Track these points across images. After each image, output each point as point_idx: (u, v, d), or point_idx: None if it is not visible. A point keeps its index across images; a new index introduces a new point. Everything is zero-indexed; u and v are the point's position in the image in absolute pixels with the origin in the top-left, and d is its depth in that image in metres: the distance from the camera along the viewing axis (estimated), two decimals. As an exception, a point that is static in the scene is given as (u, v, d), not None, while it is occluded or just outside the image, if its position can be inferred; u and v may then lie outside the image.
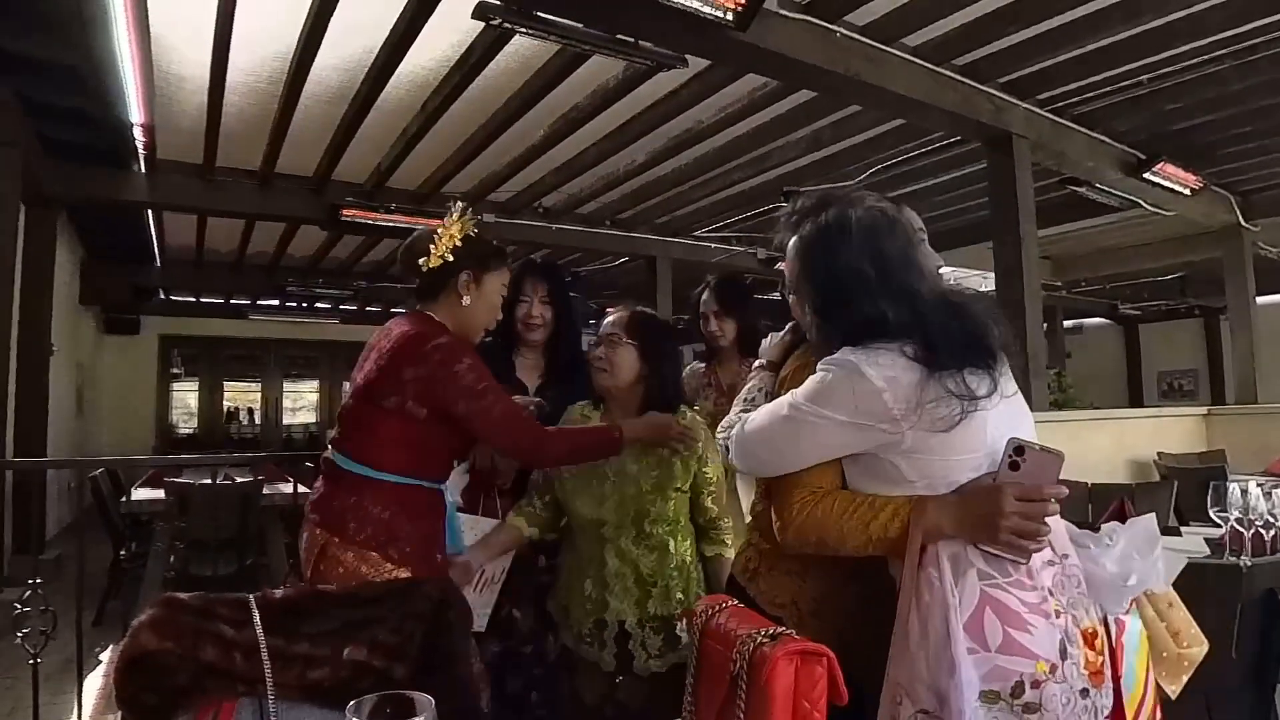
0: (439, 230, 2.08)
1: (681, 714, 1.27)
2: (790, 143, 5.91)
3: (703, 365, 3.19)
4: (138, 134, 5.45)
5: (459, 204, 2.14)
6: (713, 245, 8.62)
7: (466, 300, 2.07)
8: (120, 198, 6.53)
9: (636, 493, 2.09)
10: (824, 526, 1.36)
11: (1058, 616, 1.25)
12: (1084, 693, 1.24)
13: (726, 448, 1.56)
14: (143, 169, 6.21)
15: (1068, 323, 13.67)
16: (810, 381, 1.41)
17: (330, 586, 1.90)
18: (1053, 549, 1.31)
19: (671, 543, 2.11)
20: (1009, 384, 1.41)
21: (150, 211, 7.55)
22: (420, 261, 2.07)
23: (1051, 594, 1.27)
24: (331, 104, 5.11)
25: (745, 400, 1.64)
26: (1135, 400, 13.76)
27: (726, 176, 6.63)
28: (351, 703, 0.81)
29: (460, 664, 1.61)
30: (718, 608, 1.32)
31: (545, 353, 2.61)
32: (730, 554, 2.10)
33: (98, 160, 6.13)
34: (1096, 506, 3.83)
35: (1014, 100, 4.97)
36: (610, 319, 2.23)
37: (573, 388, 2.46)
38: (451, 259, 2.05)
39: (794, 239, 1.55)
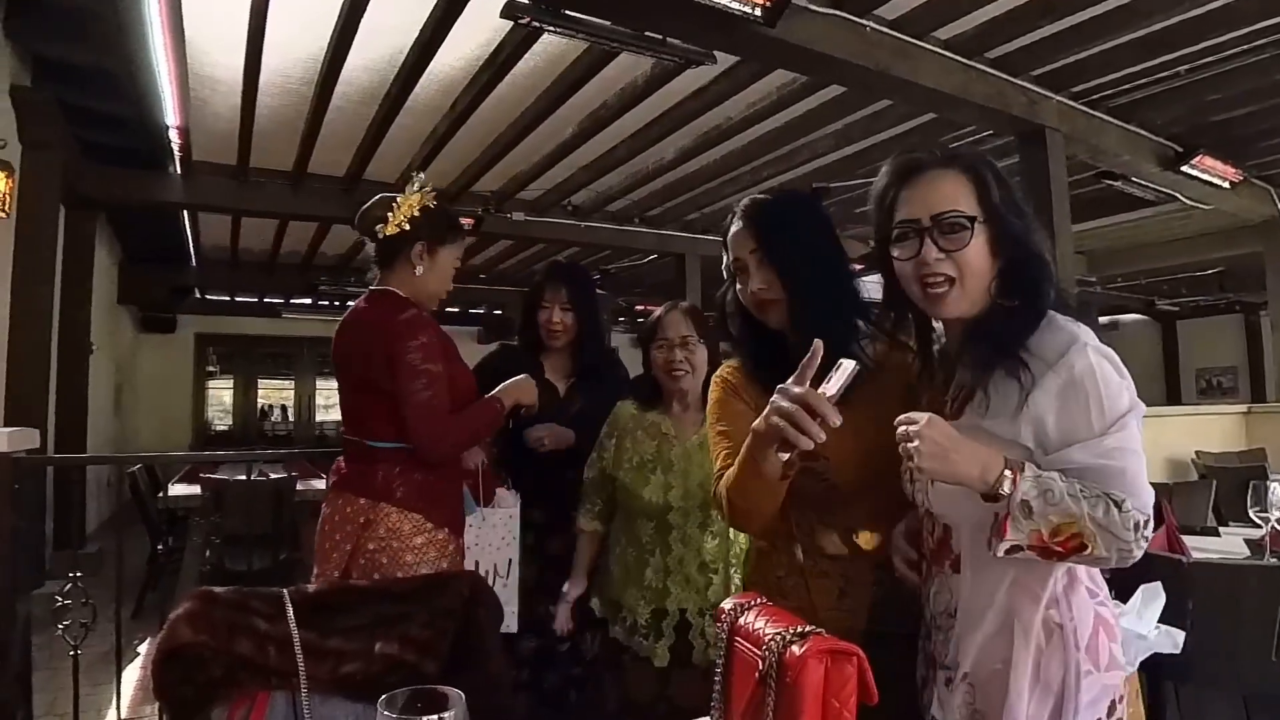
0: (398, 199, 2.16)
1: (710, 712, 1.26)
2: (819, 138, 5.87)
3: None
4: (173, 136, 5.55)
5: (420, 175, 2.21)
6: (742, 242, 8.59)
7: (419, 270, 2.16)
8: (157, 199, 6.65)
9: (703, 478, 2.09)
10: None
11: None
12: None
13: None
14: (178, 171, 6.32)
15: (1103, 319, 13.47)
16: (1096, 403, 1.18)
17: (362, 582, 1.93)
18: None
19: (733, 529, 2.11)
20: None
21: (186, 212, 7.69)
22: (377, 228, 2.15)
23: None
24: (362, 104, 5.15)
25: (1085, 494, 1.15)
26: (1173, 398, 13.52)
27: (755, 173, 6.60)
28: (384, 696, 0.82)
29: (491, 661, 1.62)
30: (746, 605, 1.31)
31: (572, 355, 2.61)
32: None
33: (135, 163, 6.25)
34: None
35: (1048, 93, 4.90)
36: (669, 319, 2.19)
37: (601, 387, 2.51)
38: (408, 228, 2.13)
39: (964, 165, 1.30)
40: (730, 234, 1.57)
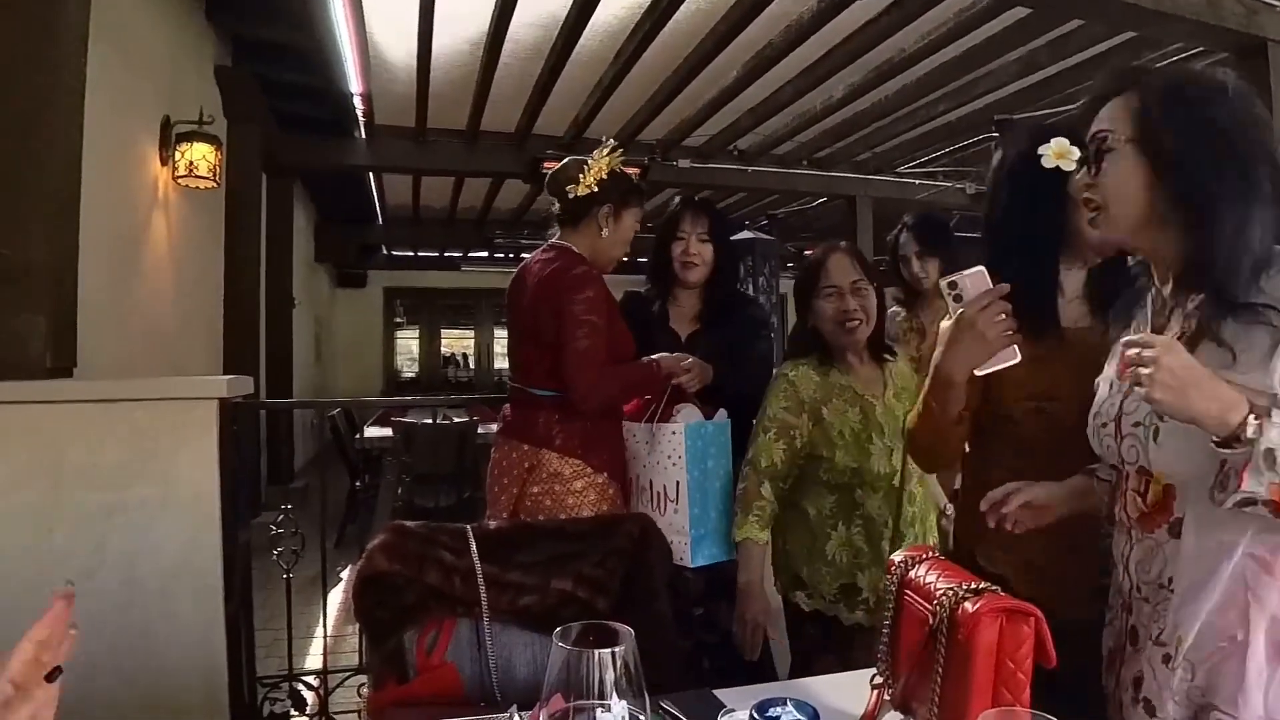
0: (588, 162, 2.24)
1: (877, 666, 1.25)
2: (1001, 67, 5.46)
3: (902, 311, 3.06)
4: (357, 103, 5.92)
5: (610, 140, 2.28)
6: (916, 182, 8.20)
7: (606, 232, 2.25)
8: (345, 163, 7.12)
9: None
10: None
11: None
12: None
13: None
14: (363, 135, 6.72)
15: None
16: None
17: (539, 520, 2.04)
18: None
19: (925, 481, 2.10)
20: None
21: (371, 174, 8.18)
22: (568, 189, 2.23)
23: None
24: (529, 61, 5.26)
25: None
26: None
27: (931, 107, 6.24)
28: (558, 629, 0.86)
29: (658, 600, 1.67)
30: (917, 558, 1.28)
31: (703, 295, 2.49)
32: None
33: (325, 130, 6.71)
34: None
35: (1271, 1, 4.33)
36: (835, 263, 2.06)
37: (728, 331, 2.41)
38: (597, 190, 2.22)
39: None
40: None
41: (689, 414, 2.18)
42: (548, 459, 2.14)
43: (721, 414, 2.23)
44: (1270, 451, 0.98)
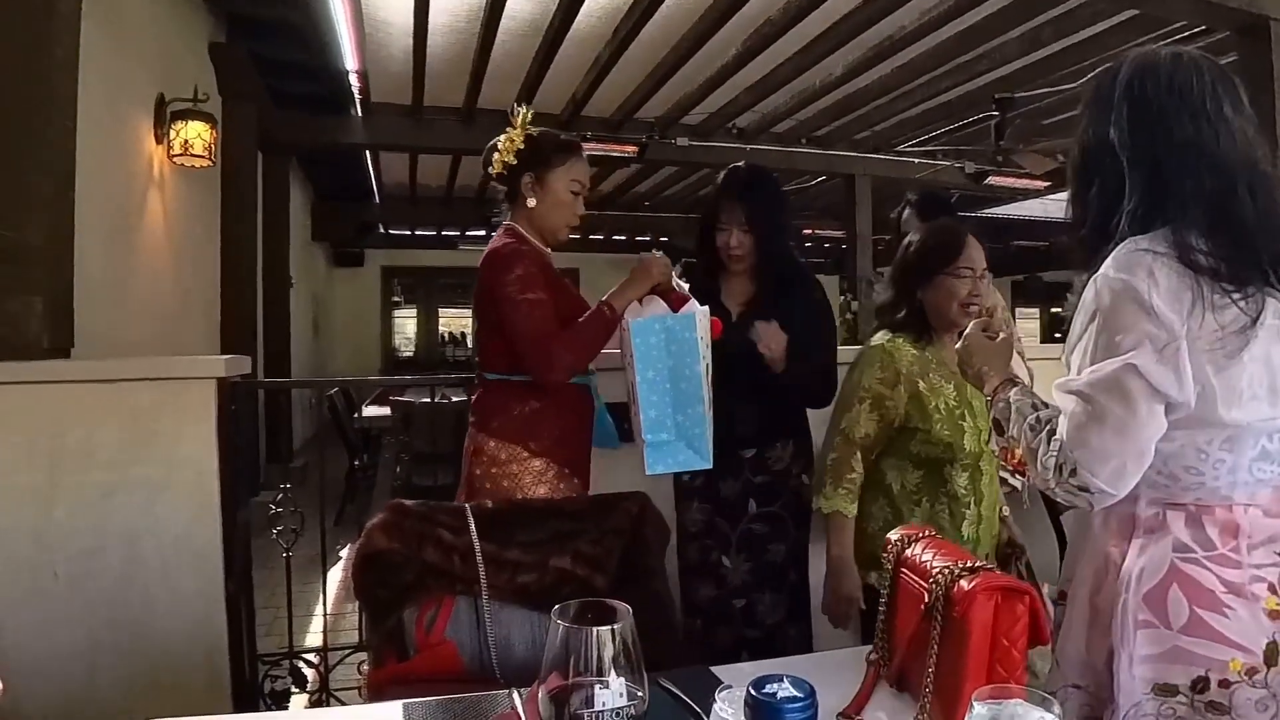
0: (500, 139, 2.16)
1: (873, 643, 1.26)
2: (1004, 44, 5.42)
3: None
4: (353, 80, 5.87)
5: (521, 107, 2.17)
6: (916, 160, 8.15)
7: (532, 202, 2.15)
8: (341, 140, 7.06)
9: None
10: None
11: (1273, 618, 1.07)
12: None
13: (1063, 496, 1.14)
14: (359, 113, 6.67)
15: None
16: (1087, 339, 1.13)
17: (537, 499, 2.03)
18: None
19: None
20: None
21: (368, 152, 8.13)
22: (488, 170, 2.19)
23: (1274, 589, 1.09)
24: (527, 38, 5.21)
25: (1034, 427, 1.21)
26: None
27: (932, 85, 6.20)
28: (556, 606, 0.86)
29: (656, 579, 1.68)
30: (914, 537, 1.29)
31: (754, 277, 2.35)
32: None
33: (320, 108, 6.65)
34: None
35: (1276, -23, 4.29)
36: (974, 248, 2.02)
37: (786, 315, 2.23)
38: (514, 162, 2.14)
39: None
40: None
41: (648, 308, 2.09)
42: (485, 442, 2.11)
43: (690, 305, 2.03)
44: (995, 421, 1.28)
